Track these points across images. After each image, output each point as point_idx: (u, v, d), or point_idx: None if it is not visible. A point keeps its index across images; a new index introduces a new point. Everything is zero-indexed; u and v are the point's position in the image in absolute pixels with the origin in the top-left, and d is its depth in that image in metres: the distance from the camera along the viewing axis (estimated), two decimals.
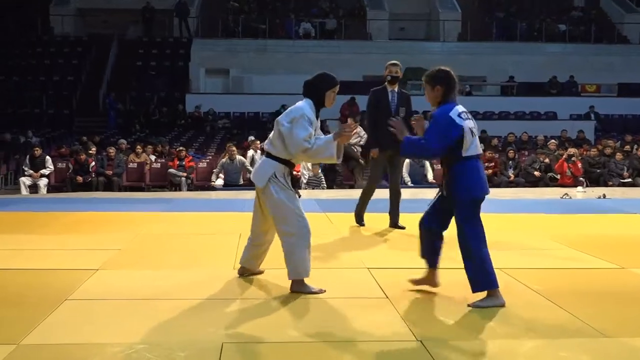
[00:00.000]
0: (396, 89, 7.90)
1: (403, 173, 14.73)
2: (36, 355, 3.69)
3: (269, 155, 4.97)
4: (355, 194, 13.59)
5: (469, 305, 4.57)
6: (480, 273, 4.59)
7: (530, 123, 24.33)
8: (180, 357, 3.63)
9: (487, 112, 26.03)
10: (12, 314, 4.38)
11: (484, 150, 17.85)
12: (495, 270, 4.66)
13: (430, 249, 4.89)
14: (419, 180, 15.03)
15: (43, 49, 27.19)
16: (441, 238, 4.89)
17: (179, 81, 26.80)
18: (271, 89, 25.03)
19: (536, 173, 16.25)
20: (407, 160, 14.89)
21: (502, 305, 4.56)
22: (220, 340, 3.89)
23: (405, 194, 12.18)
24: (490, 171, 16.22)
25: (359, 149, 16.70)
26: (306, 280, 4.92)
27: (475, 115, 25.75)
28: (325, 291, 4.90)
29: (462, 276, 4.71)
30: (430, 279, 4.98)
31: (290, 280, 4.93)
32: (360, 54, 26.97)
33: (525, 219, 9.25)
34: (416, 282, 5.01)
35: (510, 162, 16.85)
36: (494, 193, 13.60)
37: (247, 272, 5.44)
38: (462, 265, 4.70)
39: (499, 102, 26.62)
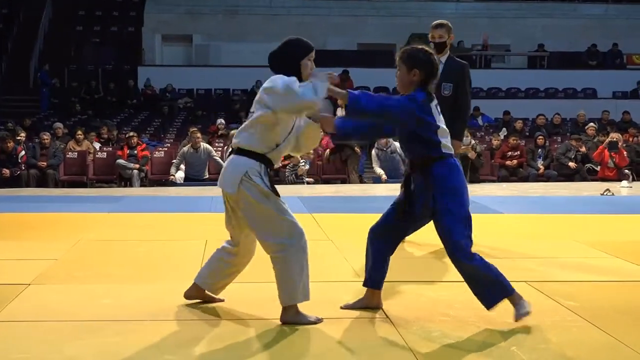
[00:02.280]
0: (444, 59, 7.46)
1: (374, 166, 14.75)
2: None
3: (239, 151, 4.70)
4: (347, 190, 13.69)
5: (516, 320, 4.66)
6: (493, 285, 4.68)
7: (564, 102, 24.46)
8: None
9: (510, 88, 26.15)
10: None
11: (507, 136, 17.98)
12: (522, 284, 4.69)
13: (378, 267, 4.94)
14: (395, 174, 14.86)
15: None
16: (389, 257, 5.00)
17: (129, 51, 26.75)
18: (243, 61, 25.06)
19: (571, 164, 16.35)
20: (373, 152, 14.88)
21: (528, 313, 4.65)
22: None
23: (381, 190, 12.31)
24: (514, 162, 16.31)
25: None
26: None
27: (497, 92, 26.00)
28: (322, 320, 4.75)
29: (465, 289, 4.75)
30: (371, 301, 5.01)
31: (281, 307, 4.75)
32: (355, 17, 27.05)
33: (557, 221, 9.30)
34: (350, 306, 5.02)
35: (540, 150, 16.95)
36: (520, 189, 13.73)
37: (202, 297, 5.14)
38: (461, 278, 4.77)
39: (526, 77, 26.73)
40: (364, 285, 5.03)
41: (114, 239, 7.73)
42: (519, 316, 4.67)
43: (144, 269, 6.33)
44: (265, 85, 4.66)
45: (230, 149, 4.79)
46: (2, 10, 27.48)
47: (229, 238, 5.00)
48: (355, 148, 15.90)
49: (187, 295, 5.12)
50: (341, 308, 5.00)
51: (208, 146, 15.25)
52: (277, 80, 4.57)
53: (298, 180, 15.08)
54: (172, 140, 19.09)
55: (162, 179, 15.49)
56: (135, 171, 15.63)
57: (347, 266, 6.49)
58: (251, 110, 4.72)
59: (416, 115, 4.59)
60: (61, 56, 25.93)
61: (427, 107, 4.65)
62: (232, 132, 16.17)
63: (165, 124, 22.29)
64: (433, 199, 4.66)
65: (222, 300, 5.15)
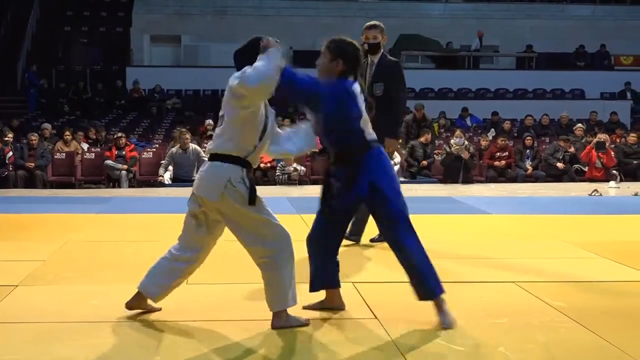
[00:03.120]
0: (376, 59, 7.55)
1: None
2: None
3: (216, 157, 4.58)
4: None
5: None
6: (432, 277, 4.74)
7: (552, 103, 24.53)
8: None
9: (499, 89, 26.21)
10: None
11: (495, 137, 18.02)
12: (510, 284, 4.69)
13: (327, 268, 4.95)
14: None
15: None
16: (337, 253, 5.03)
17: (118, 51, 26.69)
18: (232, 61, 24.98)
19: (559, 165, 16.41)
20: None
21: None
22: None
23: None
24: (503, 162, 16.35)
25: None
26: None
27: (485, 93, 26.06)
28: (309, 323, 4.72)
29: (464, 292, 4.76)
30: (332, 301, 5.02)
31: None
32: (344, 18, 27.04)
33: (545, 221, 9.33)
34: (311, 307, 5.02)
35: (528, 151, 17.01)
36: (508, 189, 13.76)
37: (144, 306, 4.94)
38: (463, 279, 4.77)
39: (514, 78, 26.81)
40: (311, 290, 5.01)
41: (102, 240, 7.73)
42: (446, 325, 4.67)
43: (132, 269, 6.31)
44: (231, 82, 4.58)
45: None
46: None
47: (181, 245, 4.84)
48: None
49: (130, 306, 4.90)
50: (303, 308, 4.96)
51: (197, 147, 15.23)
52: (240, 73, 4.54)
53: (289, 181, 15.08)
54: (160, 141, 19.07)
55: (151, 180, 15.48)
56: (124, 172, 15.60)
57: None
58: (220, 114, 4.64)
59: (342, 97, 4.65)
60: (49, 57, 25.86)
61: (354, 93, 4.69)
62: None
63: (153, 125, 22.25)
64: (371, 185, 4.70)
65: (160, 309, 4.96)
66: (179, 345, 4.37)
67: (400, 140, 15.56)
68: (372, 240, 7.56)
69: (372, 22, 7.62)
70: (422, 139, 15.93)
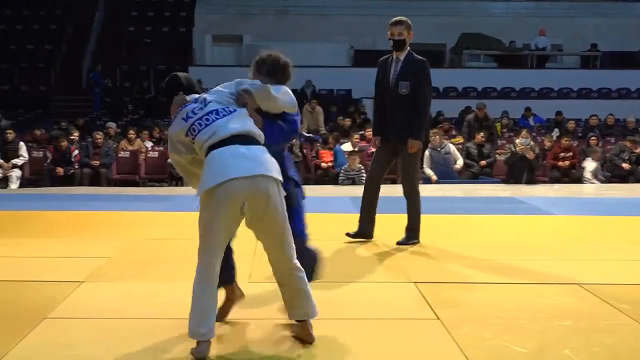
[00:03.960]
0: (402, 57, 7.49)
1: (424, 168, 14.66)
2: None
3: (255, 141, 4.26)
4: (397, 190, 13.58)
5: None
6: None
7: (618, 102, 24.12)
8: None
9: (563, 89, 25.85)
10: None
11: (559, 137, 17.77)
12: (574, 286, 4.60)
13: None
14: (447, 175, 14.72)
15: (13, 11, 27.44)
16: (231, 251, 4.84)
17: (180, 51, 26.94)
18: (293, 60, 24.94)
19: (625, 165, 16.10)
20: (427, 153, 14.82)
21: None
22: None
23: (431, 190, 12.25)
24: (567, 163, 16.10)
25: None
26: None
27: (549, 92, 25.72)
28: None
29: (528, 294, 4.70)
30: (231, 295, 4.92)
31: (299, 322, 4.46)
32: (405, 17, 26.96)
33: (610, 223, 9.18)
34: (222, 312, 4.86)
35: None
36: (572, 190, 13.56)
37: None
38: (527, 281, 4.71)
39: (579, 77, 26.40)
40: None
41: (165, 238, 7.80)
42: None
43: (194, 266, 6.36)
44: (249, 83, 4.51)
45: (230, 135, 4.17)
46: (56, 11, 27.87)
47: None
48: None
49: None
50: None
51: None
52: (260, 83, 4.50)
53: (354, 183, 15.00)
54: None
55: None
56: None
57: (395, 266, 6.47)
58: (217, 108, 4.32)
59: None
60: (114, 57, 26.21)
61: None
62: None
63: None
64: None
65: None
66: (251, 341, 4.40)
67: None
68: (348, 235, 7.51)
69: (398, 18, 7.50)
70: (476, 140, 15.78)
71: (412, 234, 7.45)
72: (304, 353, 4.24)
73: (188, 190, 13.91)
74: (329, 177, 15.15)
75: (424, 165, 14.83)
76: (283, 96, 4.51)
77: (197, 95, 4.44)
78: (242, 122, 4.23)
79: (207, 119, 4.19)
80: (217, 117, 4.21)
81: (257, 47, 28.56)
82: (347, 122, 20.03)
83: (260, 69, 4.73)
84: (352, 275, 6.16)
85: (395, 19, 7.53)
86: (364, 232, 7.53)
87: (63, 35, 27.11)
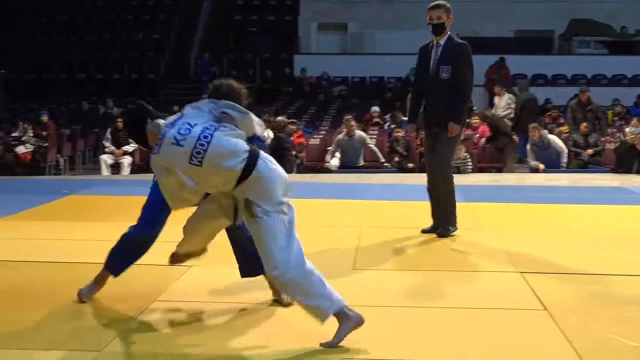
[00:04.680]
0: (442, 41, 7.21)
1: (529, 160, 14.38)
2: None
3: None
4: (504, 178, 13.47)
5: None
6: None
7: None
8: None
9: None
10: (96, 320, 4.64)
11: None
12: None
13: None
14: (552, 166, 14.40)
15: (125, 3, 28.13)
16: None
17: (286, 39, 27.15)
18: (398, 48, 24.96)
19: None
20: (528, 147, 14.52)
21: None
22: (339, 355, 3.96)
23: (539, 179, 12.06)
24: None
25: (510, 123, 16.46)
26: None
27: None
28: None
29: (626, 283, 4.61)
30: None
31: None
32: (511, 3, 26.51)
33: None
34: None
35: None
36: None
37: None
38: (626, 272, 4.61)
39: None
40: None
41: None
42: None
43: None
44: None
45: None
46: (165, 1, 28.45)
47: None
48: (513, 136, 15.63)
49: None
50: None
51: (363, 134, 15.31)
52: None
53: (459, 171, 14.86)
54: (327, 128, 19.26)
55: (317, 166, 15.65)
56: (292, 157, 15.86)
57: (501, 255, 6.41)
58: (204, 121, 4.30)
59: None
60: (220, 45, 26.62)
61: None
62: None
63: (320, 112, 22.52)
64: None
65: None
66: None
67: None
68: (424, 231, 7.30)
69: (436, 2, 7.24)
70: (580, 130, 15.39)
71: (447, 223, 7.20)
72: (414, 339, 4.25)
73: (292, 178, 14.06)
74: None
75: (529, 159, 14.63)
76: (259, 124, 4.66)
77: (164, 121, 4.36)
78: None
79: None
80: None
81: (362, 35, 28.51)
82: None
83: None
84: (459, 264, 6.14)
85: (433, 2, 7.27)
86: (439, 225, 7.29)
87: (172, 24, 27.66)
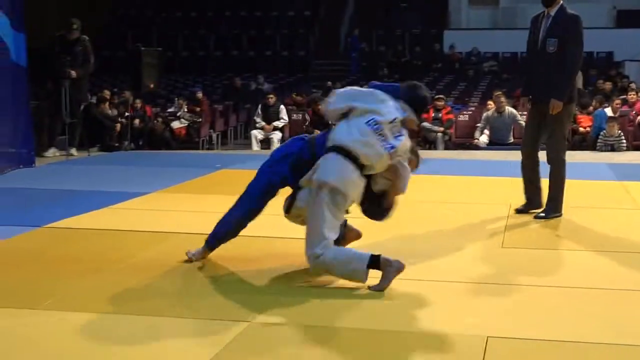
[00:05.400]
0: (553, 12, 6.83)
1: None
2: (269, 333, 3.98)
3: None
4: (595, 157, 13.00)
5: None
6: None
7: None
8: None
9: None
10: (248, 294, 4.75)
11: None
12: None
13: None
14: None
15: None
16: None
17: (436, 15, 26.92)
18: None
19: None
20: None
21: None
22: (485, 334, 3.93)
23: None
24: None
25: None
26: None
27: None
28: None
29: None
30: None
31: None
32: None
33: None
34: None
35: None
36: None
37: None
38: None
39: None
40: None
41: (418, 200, 7.86)
42: None
43: (448, 230, 6.42)
44: None
45: None
46: None
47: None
48: None
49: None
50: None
51: (513, 110, 15.01)
52: None
53: (613, 150, 14.40)
54: (476, 104, 19.00)
55: (466, 143, 15.49)
56: (440, 134, 15.76)
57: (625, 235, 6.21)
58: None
59: None
60: (370, 21, 26.65)
61: None
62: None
63: (469, 88, 22.25)
64: None
65: None
66: (495, 307, 4.40)
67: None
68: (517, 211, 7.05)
69: None
70: None
71: (553, 206, 6.88)
72: (566, 319, 4.17)
73: (441, 155, 13.99)
74: (587, 143, 14.64)
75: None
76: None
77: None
78: None
79: None
80: None
81: (514, 10, 28.01)
82: (608, 85, 19.22)
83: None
84: (615, 245, 5.95)
85: None
86: (532, 204, 7.05)
87: (322, 1, 27.87)
